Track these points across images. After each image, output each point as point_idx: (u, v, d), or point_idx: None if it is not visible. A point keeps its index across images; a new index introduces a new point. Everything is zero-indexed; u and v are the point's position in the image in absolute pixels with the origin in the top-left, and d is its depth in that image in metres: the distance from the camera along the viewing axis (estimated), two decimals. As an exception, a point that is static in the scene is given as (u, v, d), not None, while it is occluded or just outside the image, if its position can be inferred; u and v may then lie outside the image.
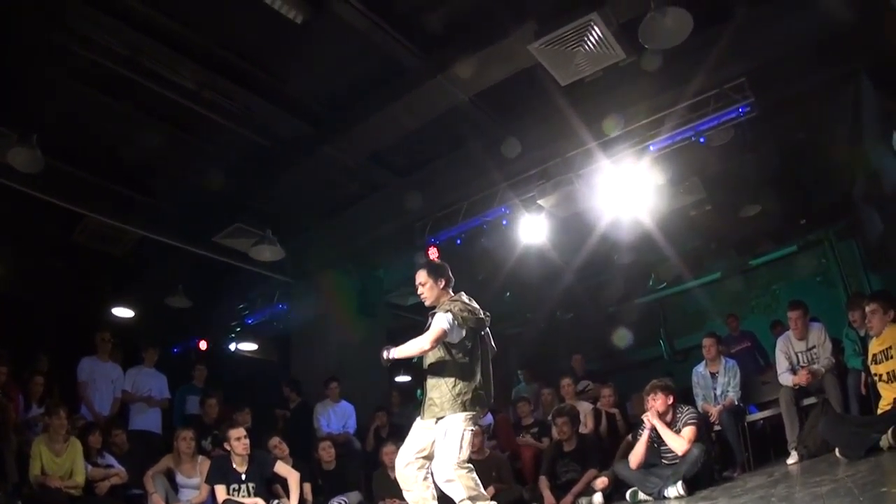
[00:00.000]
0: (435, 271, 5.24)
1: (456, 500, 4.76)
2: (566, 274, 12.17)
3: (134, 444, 8.21)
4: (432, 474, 5.01)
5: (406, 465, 5.07)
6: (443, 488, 4.81)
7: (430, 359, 5.05)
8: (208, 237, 10.12)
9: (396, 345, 5.02)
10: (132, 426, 8.73)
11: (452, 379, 4.93)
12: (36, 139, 7.54)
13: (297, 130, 8.87)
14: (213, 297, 12.67)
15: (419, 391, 5.38)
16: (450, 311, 4.95)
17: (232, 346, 13.43)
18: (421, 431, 5.10)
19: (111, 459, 7.38)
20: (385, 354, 4.99)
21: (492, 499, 7.12)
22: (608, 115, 8.23)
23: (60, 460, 6.71)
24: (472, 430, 4.91)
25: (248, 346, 13.44)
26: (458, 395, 4.90)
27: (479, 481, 4.80)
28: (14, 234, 9.96)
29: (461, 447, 4.77)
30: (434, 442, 4.95)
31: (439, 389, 4.93)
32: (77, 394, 8.58)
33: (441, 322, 4.89)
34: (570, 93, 7.89)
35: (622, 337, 13.74)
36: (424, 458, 5.05)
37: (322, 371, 10.31)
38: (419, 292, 5.28)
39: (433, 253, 10.03)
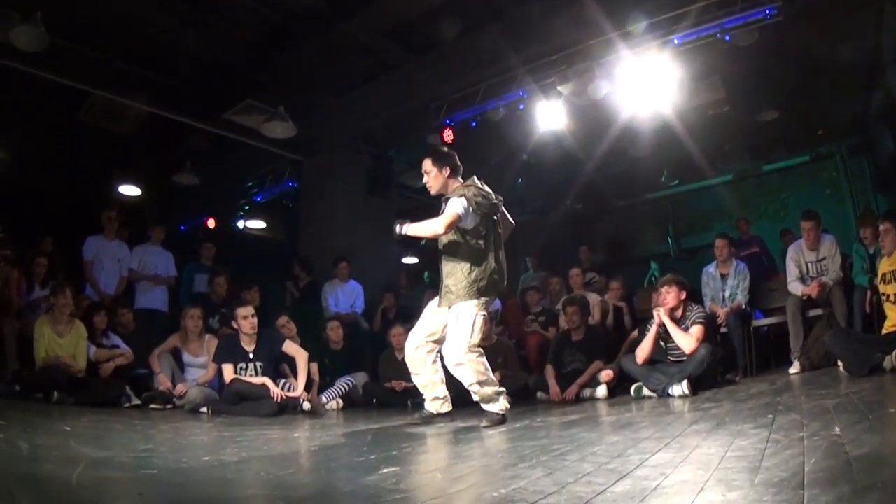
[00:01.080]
0: (440, 159, 5.14)
1: (465, 384, 4.82)
2: (580, 164, 12.01)
3: (140, 322, 8.29)
4: (441, 358, 5.07)
5: (416, 347, 5.13)
6: (452, 372, 4.87)
7: (444, 245, 5.01)
8: (218, 114, 9.93)
9: (412, 221, 4.94)
10: (138, 305, 8.79)
11: (468, 265, 4.91)
12: (40, 17, 7.27)
13: (311, 5, 8.60)
14: (222, 175, 12.61)
15: (427, 273, 5.34)
16: (463, 195, 4.88)
17: (240, 224, 13.41)
18: (432, 316, 5.13)
19: (117, 340, 7.43)
20: (398, 228, 4.94)
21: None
22: (632, 3, 7.97)
23: (63, 342, 6.73)
24: (483, 315, 4.93)
25: (257, 224, 13.45)
26: (474, 281, 4.89)
27: (488, 366, 4.86)
28: (16, 116, 9.78)
29: (473, 331, 4.80)
30: (445, 326, 4.98)
31: (455, 276, 4.91)
32: (83, 274, 8.60)
33: (455, 207, 4.83)
34: None
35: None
36: (434, 342, 5.10)
37: (331, 251, 10.32)
38: (424, 181, 5.20)
39: (447, 134, 9.93)
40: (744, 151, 12.56)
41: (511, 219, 5.39)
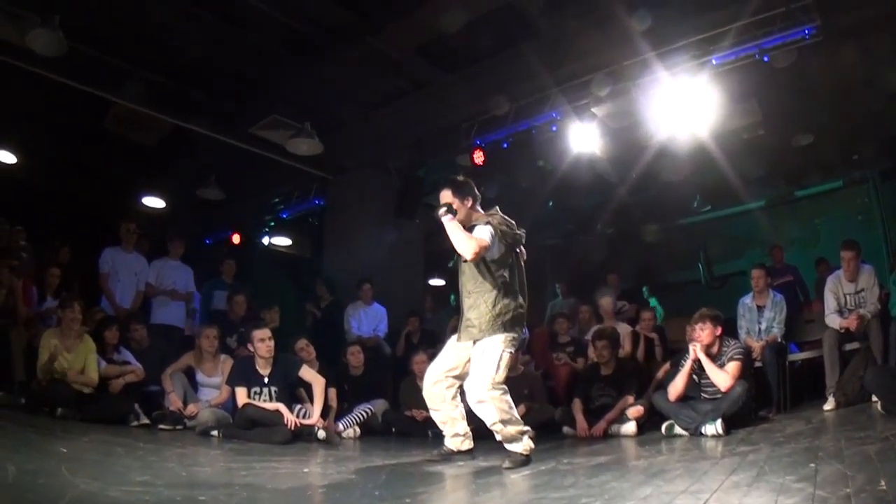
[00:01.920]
0: (461, 189, 4.86)
1: (487, 423, 4.54)
2: (612, 187, 11.74)
3: (155, 338, 8.07)
4: (462, 393, 4.79)
5: (434, 382, 4.87)
6: (474, 409, 4.57)
7: (467, 277, 4.76)
8: (244, 128, 9.78)
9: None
10: (154, 319, 8.59)
11: (492, 297, 4.65)
12: (58, 21, 7.18)
13: (340, 19, 8.48)
14: (247, 190, 12.49)
15: (452, 296, 5.06)
16: (489, 223, 4.64)
17: (265, 241, 13.26)
18: (453, 349, 4.88)
19: (128, 356, 7.23)
20: (441, 211, 4.67)
21: (522, 417, 7.03)
22: (670, 23, 7.75)
23: (71, 356, 6.53)
24: (510, 352, 4.65)
25: (282, 241, 13.28)
26: (498, 315, 4.63)
27: (512, 404, 4.58)
28: (40, 121, 9.76)
29: (498, 368, 4.52)
30: (467, 361, 4.71)
31: (478, 309, 4.65)
32: (98, 285, 8.44)
33: (483, 234, 4.56)
34: None
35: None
36: (455, 377, 4.85)
37: (355, 271, 10.10)
38: None
39: (477, 156, 9.76)
40: (777, 176, 12.26)
41: (525, 254, 5.05)
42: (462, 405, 4.86)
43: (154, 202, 12.03)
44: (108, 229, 8.93)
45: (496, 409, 4.44)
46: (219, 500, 3.05)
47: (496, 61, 9.04)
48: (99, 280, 8.40)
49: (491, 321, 4.59)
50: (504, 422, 4.48)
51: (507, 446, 4.57)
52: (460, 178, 4.97)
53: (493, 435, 4.63)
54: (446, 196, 4.82)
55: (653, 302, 11.51)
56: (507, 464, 4.38)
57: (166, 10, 8.03)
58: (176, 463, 4.28)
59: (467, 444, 4.90)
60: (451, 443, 4.90)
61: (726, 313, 7.83)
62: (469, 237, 4.53)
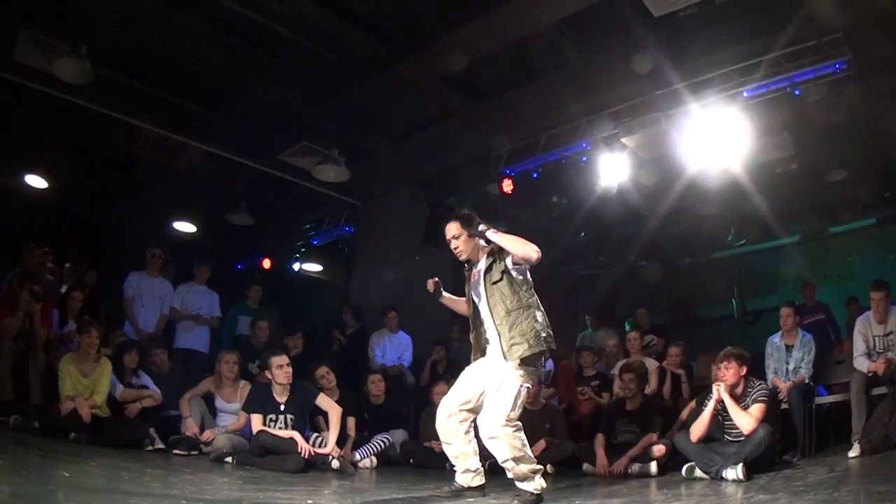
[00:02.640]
0: (469, 222, 4.77)
1: (498, 460, 4.39)
2: (643, 219, 11.55)
3: (178, 362, 8.11)
4: (475, 428, 4.66)
5: (448, 416, 4.74)
6: (486, 444, 4.43)
7: (501, 297, 4.58)
8: (273, 154, 9.84)
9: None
10: (178, 344, 8.65)
11: (531, 315, 4.54)
12: (86, 50, 7.30)
13: (369, 48, 8.52)
14: (278, 216, 12.55)
15: (474, 333, 4.93)
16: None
17: (296, 266, 13.29)
18: (468, 383, 4.76)
19: (147, 380, 7.22)
20: (481, 226, 4.57)
21: (542, 453, 6.87)
22: (699, 55, 7.68)
23: (87, 381, 6.57)
24: (528, 388, 4.53)
25: (313, 267, 13.30)
26: (540, 330, 4.53)
27: (525, 441, 4.41)
28: (70, 147, 9.93)
29: (514, 405, 4.37)
30: (481, 394, 4.59)
31: (520, 327, 4.49)
32: (122, 310, 8.50)
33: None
34: (661, 28, 7.36)
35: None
36: (469, 410, 4.72)
37: (382, 299, 10.04)
38: (453, 246, 4.84)
39: (507, 184, 9.72)
40: (811, 212, 11.97)
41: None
42: (475, 440, 4.74)
43: (185, 227, 12.15)
44: (136, 254, 9.00)
45: (509, 445, 4.30)
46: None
47: (525, 91, 9.00)
48: (123, 304, 8.48)
49: (535, 336, 4.47)
50: (516, 459, 4.33)
51: (518, 484, 4.42)
52: (466, 211, 4.89)
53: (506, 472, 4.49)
54: (454, 228, 4.78)
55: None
56: (515, 503, 4.24)
57: (199, 40, 8.16)
58: (178, 489, 4.22)
59: (478, 481, 4.75)
60: (462, 479, 4.76)
61: (759, 350, 7.68)
62: (526, 243, 4.49)
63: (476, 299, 4.77)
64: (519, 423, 4.40)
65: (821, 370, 7.55)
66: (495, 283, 4.59)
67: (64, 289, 8.52)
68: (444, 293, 5.09)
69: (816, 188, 10.64)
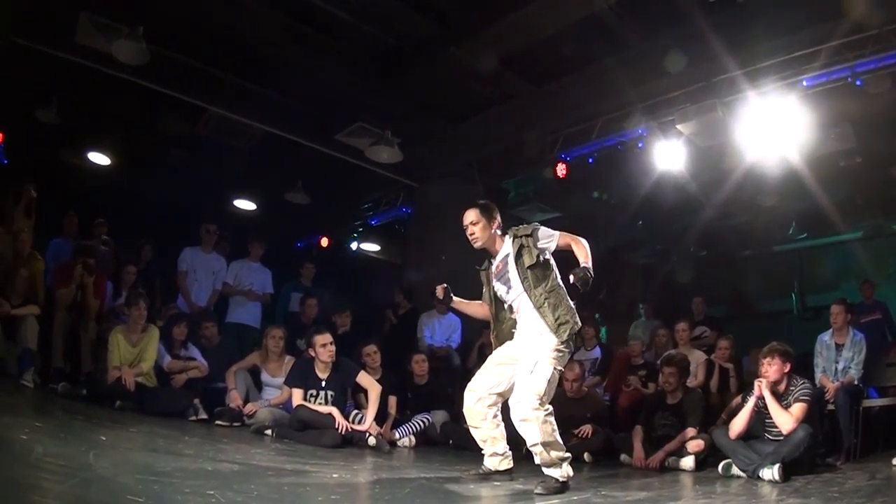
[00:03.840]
0: (490, 211, 4.83)
1: (528, 443, 4.35)
2: (701, 208, 11.30)
3: (229, 337, 8.33)
4: (503, 411, 4.67)
5: (477, 400, 4.76)
6: (517, 427, 4.38)
7: (534, 280, 4.57)
8: (332, 135, 9.95)
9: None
10: (230, 319, 8.88)
11: (565, 294, 4.60)
12: (142, 32, 7.48)
13: (425, 30, 8.49)
14: (336, 196, 12.67)
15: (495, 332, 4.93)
16: (535, 229, 4.70)
17: (354, 246, 13.45)
18: (498, 367, 4.77)
19: (195, 352, 7.44)
20: (587, 276, 4.41)
21: (583, 440, 6.84)
22: (757, 42, 7.42)
23: (135, 350, 6.84)
24: (560, 370, 4.50)
25: (371, 247, 13.49)
26: (573, 309, 4.57)
27: (556, 427, 4.36)
28: (134, 124, 10.23)
29: (546, 387, 4.32)
30: (510, 378, 4.59)
31: (564, 305, 4.52)
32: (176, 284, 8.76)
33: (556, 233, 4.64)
34: (718, 13, 7.21)
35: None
36: (498, 394, 4.74)
37: (435, 280, 10.03)
38: (469, 232, 4.86)
39: (561, 169, 9.65)
40: (875, 207, 11.52)
41: None
42: (503, 424, 4.74)
43: (245, 205, 12.41)
44: (195, 230, 9.24)
45: (539, 429, 4.25)
46: (227, 496, 3.04)
47: (582, 75, 8.89)
48: (177, 278, 8.74)
49: (574, 314, 4.53)
50: (546, 444, 4.28)
51: (544, 470, 4.39)
52: (485, 201, 4.92)
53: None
54: (474, 215, 4.81)
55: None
56: (539, 489, 4.21)
57: (258, 20, 8.25)
58: (208, 458, 4.34)
59: (506, 464, 4.77)
60: (490, 462, 4.80)
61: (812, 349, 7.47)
62: (581, 241, 4.61)
63: (504, 288, 4.74)
64: (550, 407, 4.37)
65: (874, 371, 7.31)
66: (531, 266, 4.57)
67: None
68: (455, 298, 5.19)
69: (881, 183, 10.22)
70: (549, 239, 4.62)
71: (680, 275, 13.38)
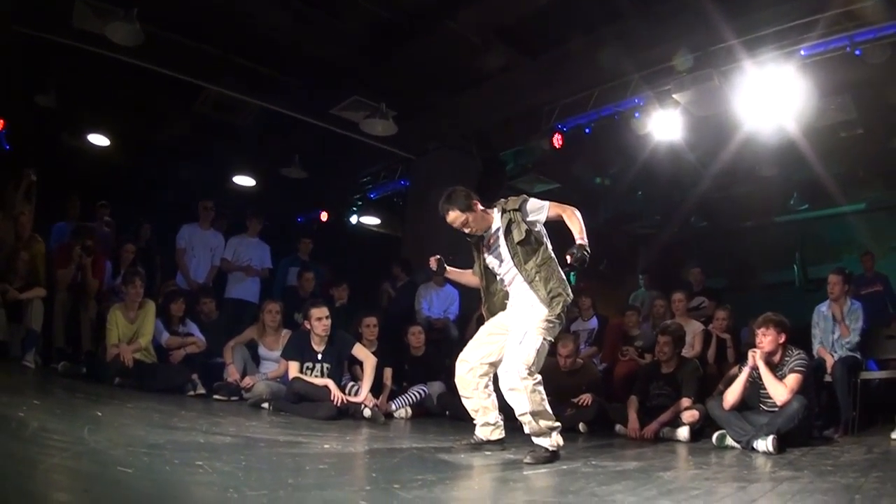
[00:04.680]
0: (460, 201, 4.70)
1: (516, 412, 4.40)
2: (700, 179, 11.27)
3: (228, 312, 8.38)
4: (493, 381, 4.72)
5: (469, 370, 4.80)
6: (505, 396, 4.44)
7: (525, 254, 4.58)
8: (327, 109, 9.93)
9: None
10: (228, 294, 8.94)
11: (557, 267, 4.62)
12: (136, 13, 7.46)
13: (420, 2, 8.45)
14: (334, 170, 12.67)
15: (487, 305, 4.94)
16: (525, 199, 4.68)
17: (353, 219, 13.46)
18: (489, 336, 4.81)
19: (193, 328, 7.49)
20: (584, 255, 4.40)
21: (579, 410, 6.88)
22: (753, 10, 7.38)
23: (133, 326, 6.90)
24: (551, 340, 4.54)
25: (371, 220, 13.52)
26: (567, 281, 4.61)
27: (545, 397, 4.41)
28: (132, 106, 10.24)
29: (535, 357, 4.36)
30: (502, 348, 4.61)
31: (555, 278, 4.54)
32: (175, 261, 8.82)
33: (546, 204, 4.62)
34: None
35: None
36: (490, 364, 4.76)
37: (432, 252, 10.05)
38: (462, 229, 4.77)
39: (557, 139, 9.66)
40: (876, 179, 11.45)
41: None
42: (494, 394, 4.78)
43: (244, 181, 12.43)
44: (195, 208, 9.29)
45: (528, 399, 4.29)
46: (215, 466, 3.07)
47: (577, 45, 8.77)
48: (175, 255, 8.79)
49: (566, 286, 4.56)
50: (534, 414, 4.33)
51: (534, 440, 4.43)
52: (449, 192, 4.80)
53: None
54: (452, 215, 4.73)
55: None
56: (528, 458, 4.25)
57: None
58: (202, 431, 4.38)
59: (497, 434, 4.81)
60: (481, 432, 4.83)
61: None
62: (575, 213, 4.59)
63: (496, 262, 4.74)
64: (539, 377, 4.41)
65: (874, 344, 7.26)
66: (520, 241, 4.57)
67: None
68: (448, 267, 5.17)
69: (883, 155, 10.17)
70: (539, 211, 4.59)
71: (680, 246, 13.38)
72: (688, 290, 8.99)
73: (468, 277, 5.19)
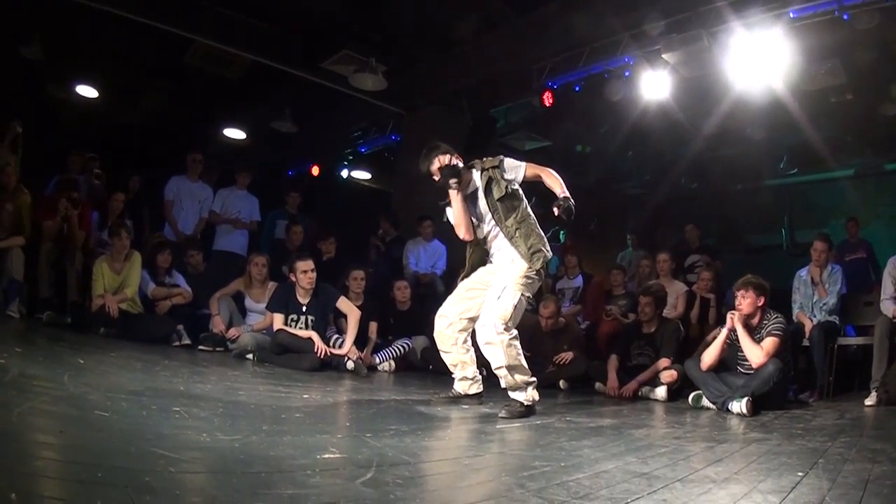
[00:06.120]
0: (446, 147, 4.85)
1: (493, 366, 4.47)
2: (690, 140, 11.27)
3: (216, 264, 8.42)
4: (472, 336, 4.76)
5: (448, 325, 4.86)
6: (482, 350, 4.51)
7: (505, 212, 4.64)
8: (318, 63, 9.85)
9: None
10: (216, 246, 8.98)
11: (536, 224, 4.70)
12: None
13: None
14: (325, 124, 12.61)
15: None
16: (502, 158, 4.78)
17: (344, 173, 13.45)
18: (468, 292, 4.85)
19: (179, 279, 7.53)
20: (570, 205, 4.48)
21: (560, 367, 6.99)
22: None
23: (119, 277, 6.95)
24: (528, 296, 4.63)
25: (361, 175, 13.54)
26: (544, 238, 4.68)
27: (521, 351, 4.48)
28: (122, 58, 10.17)
29: (512, 312, 4.42)
30: (481, 304, 4.64)
31: (535, 235, 4.62)
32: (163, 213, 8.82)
33: (522, 164, 4.71)
34: None
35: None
36: (469, 319, 4.81)
37: (421, 207, 10.09)
38: (452, 181, 4.71)
39: (547, 97, 9.60)
40: (865, 146, 11.43)
41: None
42: (473, 349, 4.84)
43: (234, 133, 12.39)
44: (184, 160, 9.24)
45: (504, 353, 4.36)
46: (192, 412, 3.13)
47: (568, 2, 8.74)
48: (163, 207, 8.78)
49: (545, 242, 4.63)
50: (510, 368, 4.40)
51: (510, 394, 4.52)
52: (431, 148, 4.87)
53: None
54: (443, 159, 4.77)
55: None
56: (503, 412, 4.33)
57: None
58: (183, 379, 4.44)
59: (475, 389, 4.88)
60: (460, 386, 4.90)
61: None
62: (553, 174, 4.67)
63: (475, 221, 4.79)
64: (515, 331, 4.47)
65: (853, 310, 7.31)
66: (500, 198, 4.62)
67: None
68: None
69: (873, 121, 10.15)
70: (516, 169, 4.66)
71: (670, 206, 13.40)
72: (684, 247, 9.03)
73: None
